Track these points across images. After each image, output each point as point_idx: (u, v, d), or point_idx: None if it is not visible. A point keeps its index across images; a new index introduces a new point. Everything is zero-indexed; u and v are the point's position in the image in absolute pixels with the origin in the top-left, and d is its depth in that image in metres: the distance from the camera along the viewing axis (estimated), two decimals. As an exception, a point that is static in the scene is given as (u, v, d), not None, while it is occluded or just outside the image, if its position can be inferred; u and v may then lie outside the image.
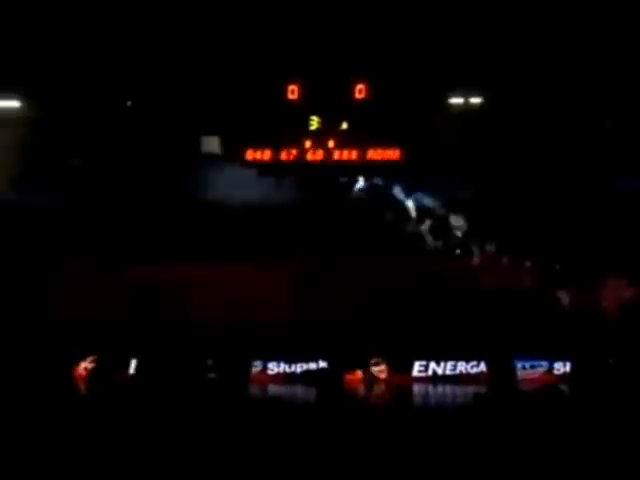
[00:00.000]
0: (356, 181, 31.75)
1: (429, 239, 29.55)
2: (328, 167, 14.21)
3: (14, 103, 34.95)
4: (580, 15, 18.45)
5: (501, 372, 6.94)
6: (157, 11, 17.52)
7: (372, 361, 30.03)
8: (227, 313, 31.92)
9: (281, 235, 33.69)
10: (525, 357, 29.95)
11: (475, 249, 28.72)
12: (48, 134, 23.77)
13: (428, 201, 32.96)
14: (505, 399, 6.56)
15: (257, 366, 29.27)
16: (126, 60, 23.05)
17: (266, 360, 30.92)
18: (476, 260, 30.98)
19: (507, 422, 6.29)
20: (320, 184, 31.99)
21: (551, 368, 31.33)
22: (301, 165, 13.93)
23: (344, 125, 13.45)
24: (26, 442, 4.12)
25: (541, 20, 19.64)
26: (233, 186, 34.60)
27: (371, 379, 29.75)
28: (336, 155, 13.65)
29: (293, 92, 13.13)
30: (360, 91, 13.18)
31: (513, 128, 21.93)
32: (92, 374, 5.29)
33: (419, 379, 31.46)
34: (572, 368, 5.09)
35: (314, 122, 13.32)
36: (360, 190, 30.15)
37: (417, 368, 31.96)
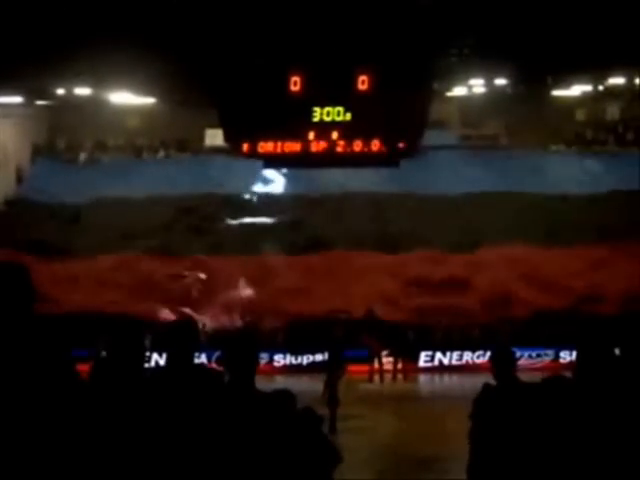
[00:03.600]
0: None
1: None
2: (332, 158, 14.20)
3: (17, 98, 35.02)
4: None
5: (502, 363, 6.94)
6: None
7: (382, 353, 30.33)
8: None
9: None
10: (530, 346, 30.09)
11: None
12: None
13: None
14: (509, 390, 6.56)
15: (263, 358, 29.50)
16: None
17: (272, 352, 31.16)
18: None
19: (511, 413, 6.28)
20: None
21: (557, 357, 31.50)
22: (305, 156, 13.93)
23: (347, 116, 13.42)
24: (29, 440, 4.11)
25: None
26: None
27: (380, 367, 30.01)
28: (340, 147, 13.64)
29: (296, 84, 13.10)
30: (363, 82, 13.15)
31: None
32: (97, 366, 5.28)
33: (426, 369, 31.70)
34: (577, 357, 5.10)
35: (317, 113, 13.30)
36: None
37: (423, 358, 32.19)
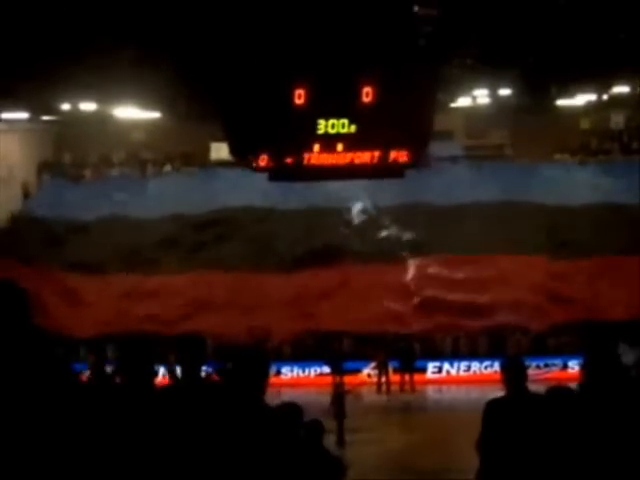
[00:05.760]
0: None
1: None
2: (337, 170, 14.21)
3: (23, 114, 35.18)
4: None
5: (514, 374, 6.93)
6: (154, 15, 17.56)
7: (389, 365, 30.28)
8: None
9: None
10: (538, 356, 30.02)
11: None
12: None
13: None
14: (518, 401, 6.54)
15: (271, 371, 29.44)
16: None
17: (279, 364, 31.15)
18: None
19: (520, 424, 6.27)
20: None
21: (565, 367, 31.45)
22: (310, 169, 13.93)
23: (352, 128, 13.43)
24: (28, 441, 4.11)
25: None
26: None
27: (386, 379, 29.98)
28: (345, 159, 13.63)
29: (300, 96, 13.12)
30: (367, 94, 13.16)
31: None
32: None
33: (433, 380, 31.67)
34: (583, 366, 5.08)
35: (322, 126, 13.31)
36: None
37: (431, 370, 32.16)
